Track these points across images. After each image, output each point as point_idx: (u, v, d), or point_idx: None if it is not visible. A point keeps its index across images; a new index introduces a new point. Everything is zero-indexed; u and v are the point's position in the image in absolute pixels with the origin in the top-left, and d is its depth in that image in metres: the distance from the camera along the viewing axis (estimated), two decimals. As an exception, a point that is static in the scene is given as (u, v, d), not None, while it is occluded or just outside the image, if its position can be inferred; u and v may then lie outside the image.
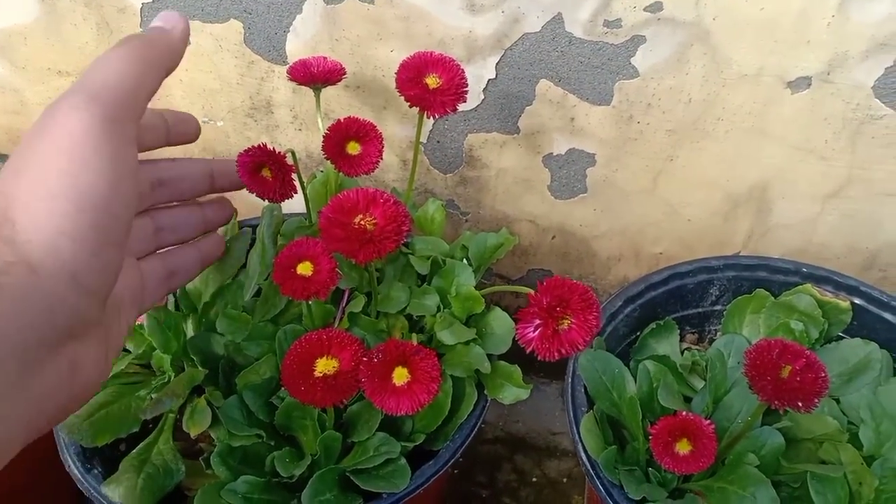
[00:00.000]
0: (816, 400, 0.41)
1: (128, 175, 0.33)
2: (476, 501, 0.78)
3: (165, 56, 0.37)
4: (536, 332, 0.42)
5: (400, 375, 0.43)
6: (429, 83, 0.52)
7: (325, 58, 0.55)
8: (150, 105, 0.37)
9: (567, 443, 0.83)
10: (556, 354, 0.42)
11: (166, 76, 0.37)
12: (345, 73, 0.56)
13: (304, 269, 0.42)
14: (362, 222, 0.41)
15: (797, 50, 0.55)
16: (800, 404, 0.41)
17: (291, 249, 0.43)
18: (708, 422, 0.46)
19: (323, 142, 0.50)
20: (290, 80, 0.55)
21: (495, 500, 0.78)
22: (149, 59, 0.35)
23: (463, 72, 0.53)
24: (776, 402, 0.41)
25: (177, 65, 0.38)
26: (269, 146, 0.47)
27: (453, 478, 0.80)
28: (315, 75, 0.54)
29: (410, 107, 0.51)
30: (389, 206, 0.41)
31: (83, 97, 0.32)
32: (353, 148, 0.51)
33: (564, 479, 0.80)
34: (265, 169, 0.48)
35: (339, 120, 0.51)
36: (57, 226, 0.30)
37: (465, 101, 0.52)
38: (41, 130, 0.32)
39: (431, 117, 0.54)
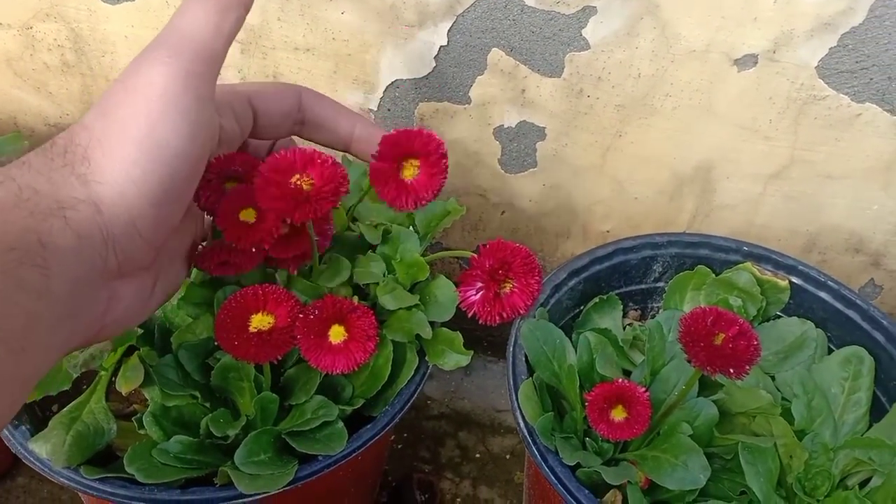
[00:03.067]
0: (748, 367, 0.42)
1: (202, 131, 0.35)
2: (418, 475, 0.77)
3: None
4: (478, 296, 0.42)
5: (336, 334, 0.42)
6: (405, 175, 0.43)
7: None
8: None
9: (511, 420, 0.83)
10: (497, 318, 0.42)
11: (246, 14, 0.38)
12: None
13: (247, 215, 0.41)
14: (299, 182, 0.40)
15: (744, 27, 0.55)
16: (731, 370, 0.42)
17: (236, 194, 0.41)
18: (643, 389, 0.47)
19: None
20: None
21: (437, 475, 0.78)
22: (224, 4, 0.36)
23: (445, 159, 0.44)
24: (708, 368, 0.42)
25: (252, 2, 0.39)
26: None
27: (397, 452, 0.79)
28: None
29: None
30: (327, 166, 0.40)
31: (165, 51, 0.34)
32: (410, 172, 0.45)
33: (507, 456, 0.81)
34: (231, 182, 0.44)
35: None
36: (127, 172, 0.32)
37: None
38: (128, 78, 0.33)
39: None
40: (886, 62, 0.55)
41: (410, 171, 0.43)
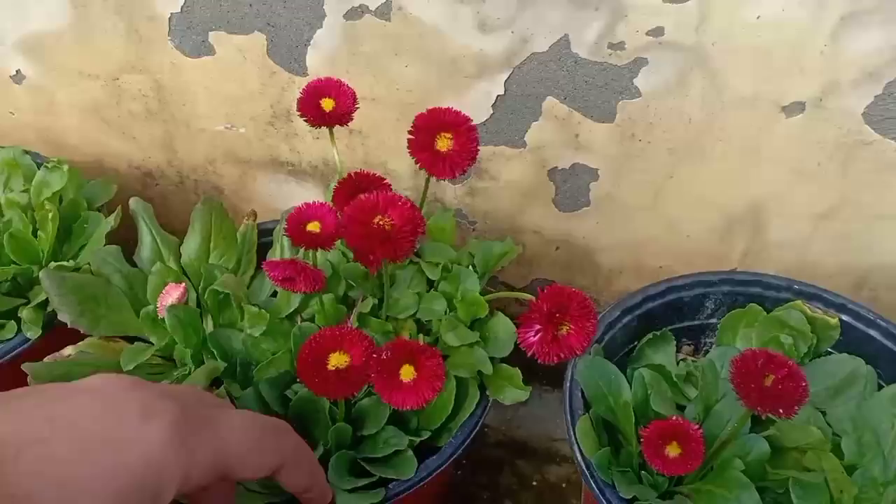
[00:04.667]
0: (797, 407, 0.44)
1: None
2: (478, 502, 0.80)
3: None
4: (537, 337, 0.45)
5: (407, 373, 0.46)
6: (439, 146, 0.51)
7: (338, 82, 0.56)
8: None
9: (566, 449, 0.85)
10: (554, 358, 0.45)
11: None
12: (353, 115, 0.56)
13: (314, 227, 0.47)
14: (381, 222, 0.44)
15: (792, 76, 0.58)
16: (781, 411, 0.44)
17: (301, 211, 0.48)
18: (696, 426, 0.49)
19: (333, 194, 0.53)
20: (301, 117, 0.55)
21: (496, 502, 0.81)
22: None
23: (475, 133, 0.51)
24: (759, 408, 0.44)
25: None
26: (299, 262, 0.49)
27: (457, 479, 0.82)
28: (327, 118, 0.55)
29: (420, 168, 0.51)
30: (406, 208, 0.44)
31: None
32: None
33: (563, 484, 0.83)
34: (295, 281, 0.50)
35: (350, 174, 0.53)
36: None
37: (474, 164, 0.52)
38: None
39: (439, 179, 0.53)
40: (932, 108, 0.57)
41: (444, 143, 0.50)
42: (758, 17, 0.56)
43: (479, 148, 0.51)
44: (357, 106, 0.56)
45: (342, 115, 0.55)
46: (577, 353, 0.45)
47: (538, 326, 0.45)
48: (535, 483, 0.82)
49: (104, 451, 0.32)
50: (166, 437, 0.34)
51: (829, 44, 0.56)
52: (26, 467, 0.30)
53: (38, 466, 0.30)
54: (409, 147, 0.51)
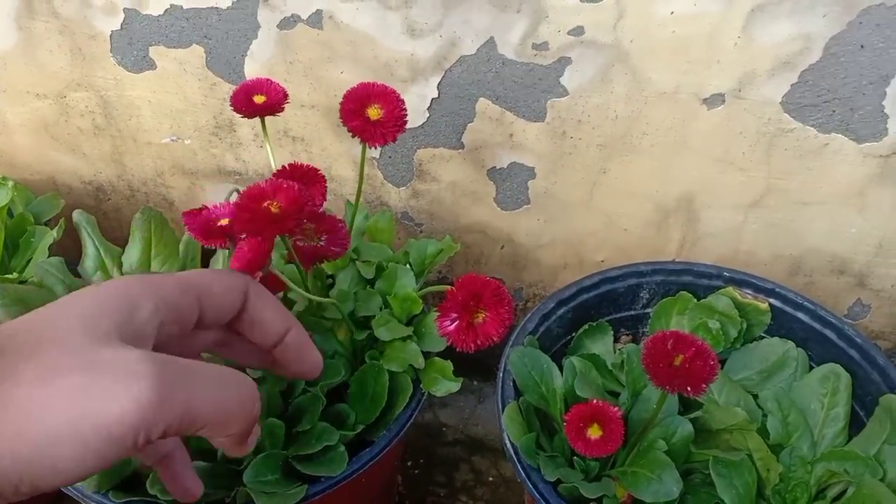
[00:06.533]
0: (704, 385, 0.45)
1: None
2: (433, 499, 0.81)
3: None
4: (453, 326, 0.46)
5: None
6: (370, 115, 0.54)
7: (268, 80, 0.58)
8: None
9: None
10: (472, 346, 0.47)
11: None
12: (284, 106, 0.57)
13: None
14: (268, 206, 0.45)
15: (709, 69, 0.60)
16: (689, 388, 0.45)
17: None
18: (616, 408, 0.50)
19: None
20: (234, 111, 0.56)
21: (452, 499, 0.82)
22: None
23: (403, 103, 0.54)
24: (668, 387, 0.45)
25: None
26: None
27: (413, 476, 0.83)
28: (257, 109, 0.56)
29: (352, 136, 0.54)
30: (293, 191, 0.45)
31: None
32: None
33: (519, 479, 0.84)
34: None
35: (284, 166, 0.54)
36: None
37: (403, 132, 0.54)
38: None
39: (373, 147, 0.55)
40: (846, 95, 0.59)
41: (375, 112, 0.53)
42: (671, 13, 0.58)
43: (406, 116, 0.54)
44: (287, 101, 0.57)
45: (273, 106, 0.56)
46: (494, 340, 0.46)
47: (454, 315, 0.46)
48: (490, 478, 0.83)
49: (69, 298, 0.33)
50: (132, 281, 0.35)
51: (742, 35, 0.58)
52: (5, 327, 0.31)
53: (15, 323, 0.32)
54: (340, 117, 0.54)
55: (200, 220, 0.47)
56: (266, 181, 0.44)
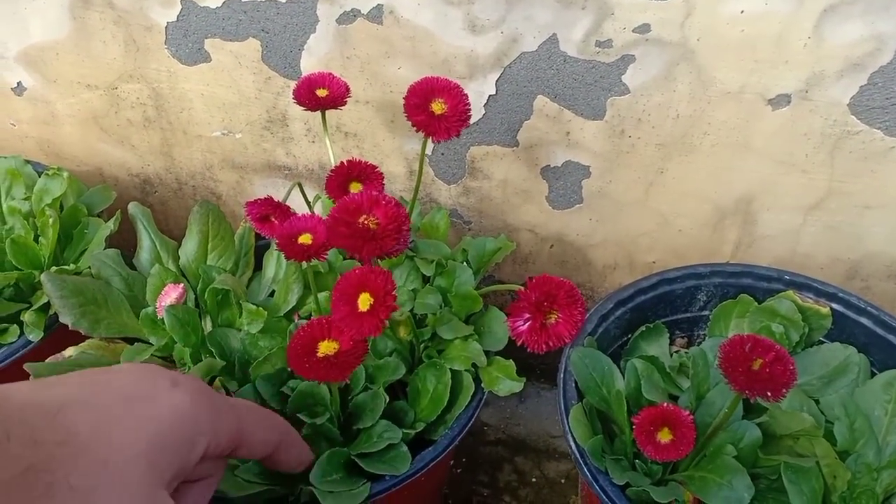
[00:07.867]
0: (785, 390, 0.44)
1: None
2: (477, 499, 0.81)
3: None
4: (526, 326, 0.46)
5: (364, 301, 0.44)
6: (434, 109, 0.54)
7: (330, 75, 0.58)
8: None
9: (565, 446, 0.86)
10: (543, 347, 0.46)
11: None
12: (347, 100, 0.58)
13: (305, 239, 0.48)
14: (366, 222, 0.44)
15: (776, 69, 0.59)
16: (769, 394, 0.44)
17: (291, 225, 0.49)
18: (687, 412, 0.50)
19: (326, 183, 0.54)
20: (296, 103, 0.57)
21: (496, 499, 0.81)
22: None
23: (467, 98, 0.54)
24: (747, 392, 0.45)
25: None
26: (273, 199, 0.53)
27: (456, 476, 0.83)
28: (321, 102, 0.57)
29: (417, 131, 0.54)
30: (391, 207, 0.45)
31: None
32: (356, 188, 0.55)
33: (562, 480, 0.83)
34: (271, 217, 0.53)
35: (342, 162, 0.54)
36: None
37: (467, 126, 0.54)
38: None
39: (436, 142, 0.55)
40: (916, 97, 0.58)
41: (439, 107, 0.53)
42: (741, 12, 0.57)
43: (470, 110, 0.54)
44: (349, 95, 0.58)
45: (335, 100, 0.57)
46: (566, 341, 0.46)
47: (527, 315, 0.46)
48: (534, 479, 0.83)
49: (140, 404, 0.35)
50: (195, 398, 0.37)
51: (812, 36, 0.57)
52: (66, 418, 0.31)
53: (77, 416, 0.32)
54: (405, 111, 0.53)
55: (284, 230, 0.47)
56: (360, 193, 0.44)
